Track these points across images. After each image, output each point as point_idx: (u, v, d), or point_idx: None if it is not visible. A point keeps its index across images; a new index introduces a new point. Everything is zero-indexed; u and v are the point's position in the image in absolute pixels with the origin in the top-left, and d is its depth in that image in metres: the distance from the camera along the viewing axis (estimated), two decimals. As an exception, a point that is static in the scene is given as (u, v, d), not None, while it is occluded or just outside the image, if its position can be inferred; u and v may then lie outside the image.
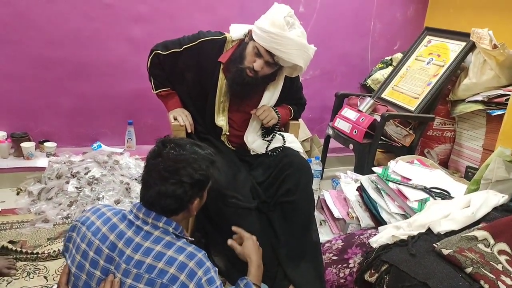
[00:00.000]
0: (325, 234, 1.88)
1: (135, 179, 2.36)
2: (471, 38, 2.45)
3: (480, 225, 1.33)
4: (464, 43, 2.52)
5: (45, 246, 1.81)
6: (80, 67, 2.52)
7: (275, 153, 1.68)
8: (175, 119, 1.67)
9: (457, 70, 2.55)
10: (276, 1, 1.59)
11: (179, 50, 1.64)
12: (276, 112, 1.70)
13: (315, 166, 2.59)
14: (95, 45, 2.51)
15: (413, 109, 2.50)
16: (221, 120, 1.69)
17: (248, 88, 1.60)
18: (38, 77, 2.45)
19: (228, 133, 1.72)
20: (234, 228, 1.36)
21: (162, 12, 2.58)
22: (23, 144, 2.40)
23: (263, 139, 1.73)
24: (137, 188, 2.28)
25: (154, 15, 2.57)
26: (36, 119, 2.54)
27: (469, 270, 1.12)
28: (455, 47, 2.58)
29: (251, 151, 1.72)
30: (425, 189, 1.76)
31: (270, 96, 1.70)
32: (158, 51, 1.66)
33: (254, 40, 1.52)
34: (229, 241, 1.33)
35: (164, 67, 1.68)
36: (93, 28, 2.47)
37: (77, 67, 2.51)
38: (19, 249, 1.71)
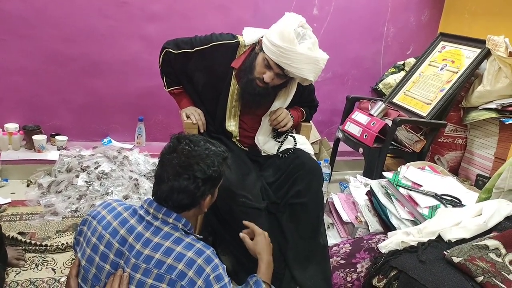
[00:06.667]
0: (332, 238, 1.87)
1: (144, 175, 2.38)
2: (486, 45, 2.42)
3: (491, 234, 1.31)
4: (479, 50, 2.50)
5: (53, 238, 1.83)
6: (94, 64, 2.54)
7: (286, 155, 1.67)
8: (188, 117, 1.67)
9: (471, 77, 2.53)
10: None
11: (191, 51, 1.61)
12: (289, 114, 1.69)
13: (324, 169, 2.58)
14: (109, 43, 2.53)
15: (425, 114, 2.48)
16: (231, 126, 1.68)
17: (259, 98, 1.58)
18: (52, 72, 2.48)
19: (238, 138, 1.72)
20: (246, 222, 1.35)
21: (176, 11, 2.59)
22: (35, 137, 2.42)
23: (274, 140, 1.72)
24: (145, 184, 2.29)
25: (168, 13, 2.58)
26: (49, 113, 2.57)
27: (480, 279, 1.10)
28: (469, 54, 2.55)
29: (262, 152, 1.72)
30: (436, 196, 1.74)
31: (282, 102, 1.68)
32: (170, 50, 1.64)
33: (264, 52, 1.49)
34: (241, 234, 1.31)
35: (174, 66, 1.67)
36: (107, 26, 2.49)
37: (91, 63, 2.54)
38: (28, 241, 1.73)
